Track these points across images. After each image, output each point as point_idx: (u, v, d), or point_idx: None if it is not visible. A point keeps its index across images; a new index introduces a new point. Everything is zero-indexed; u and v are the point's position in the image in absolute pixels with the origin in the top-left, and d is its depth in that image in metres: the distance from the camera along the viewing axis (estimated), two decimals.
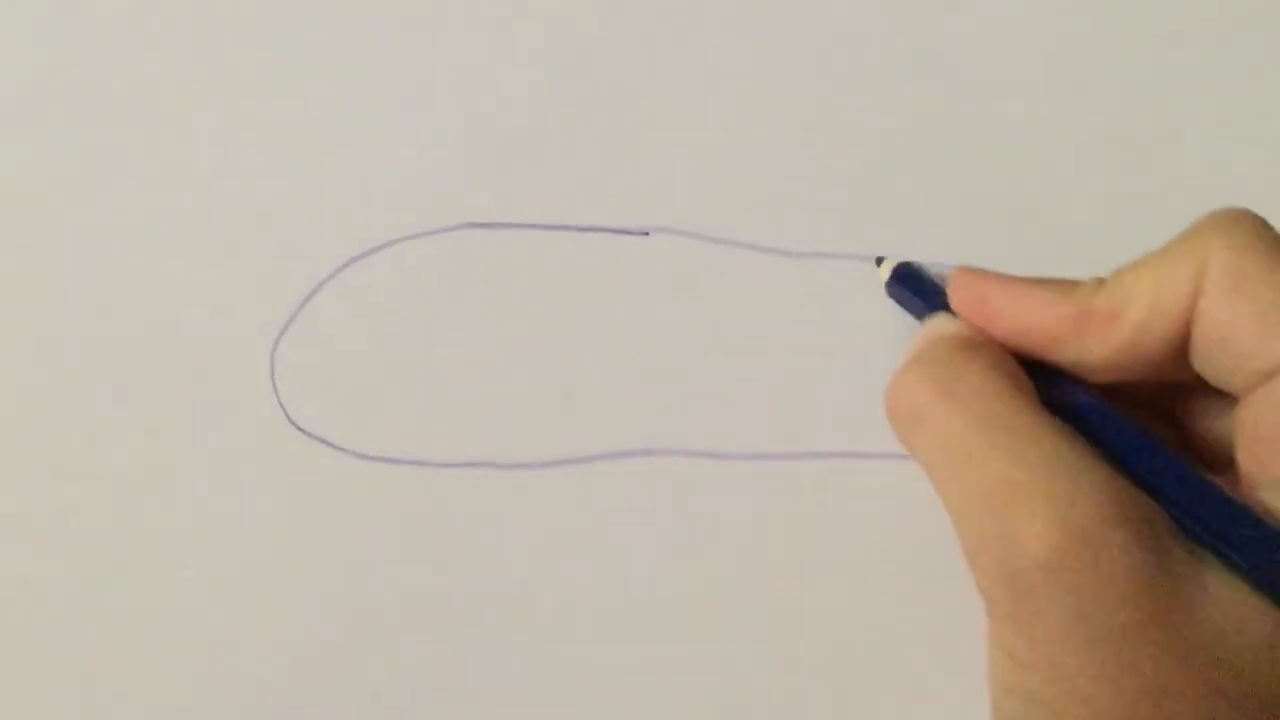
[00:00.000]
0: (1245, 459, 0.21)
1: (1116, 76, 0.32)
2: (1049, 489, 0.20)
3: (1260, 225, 0.21)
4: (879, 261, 0.29)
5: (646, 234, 0.31)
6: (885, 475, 0.29)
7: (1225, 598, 0.19)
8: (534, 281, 0.30)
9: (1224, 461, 0.23)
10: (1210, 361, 0.21)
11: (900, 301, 0.28)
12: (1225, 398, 0.22)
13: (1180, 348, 0.22)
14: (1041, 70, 0.32)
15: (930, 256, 0.30)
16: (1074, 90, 0.32)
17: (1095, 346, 0.22)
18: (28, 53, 0.32)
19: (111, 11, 0.32)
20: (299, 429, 0.30)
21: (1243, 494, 0.21)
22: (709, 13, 0.32)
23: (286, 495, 0.29)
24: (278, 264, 0.30)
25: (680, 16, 0.32)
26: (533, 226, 0.31)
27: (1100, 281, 0.23)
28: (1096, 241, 0.31)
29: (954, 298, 0.24)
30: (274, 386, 0.30)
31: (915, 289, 0.27)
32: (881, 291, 0.28)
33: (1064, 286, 0.23)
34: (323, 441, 0.30)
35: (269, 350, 0.30)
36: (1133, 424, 0.22)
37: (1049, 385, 0.23)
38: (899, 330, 0.29)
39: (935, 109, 0.32)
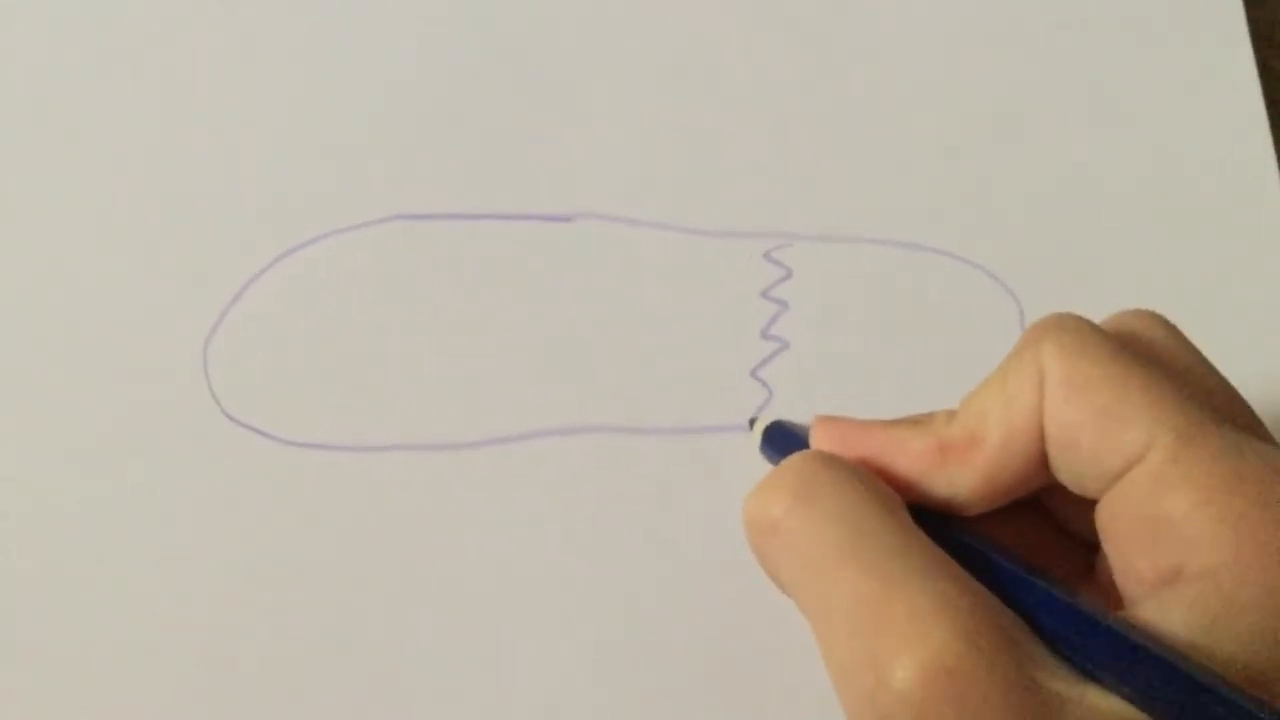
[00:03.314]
0: (1113, 561, 0.21)
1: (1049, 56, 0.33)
2: (910, 608, 0.19)
3: (1086, 326, 0.21)
4: (751, 424, 0.28)
5: (569, 220, 0.31)
6: None
7: (1103, 716, 0.19)
8: (461, 269, 0.31)
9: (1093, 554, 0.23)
10: (1064, 468, 0.21)
11: (773, 462, 0.27)
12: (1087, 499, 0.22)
13: (1040, 460, 0.22)
14: (951, 43, 0.33)
15: (846, 233, 0.31)
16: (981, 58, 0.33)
17: (961, 477, 0.22)
18: None
19: (33, 10, 0.33)
20: (233, 420, 0.30)
21: (1116, 598, 0.21)
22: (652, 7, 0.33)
23: (223, 485, 0.30)
24: (209, 260, 0.31)
25: (601, 3, 0.33)
26: (459, 216, 0.32)
27: (951, 413, 0.22)
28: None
29: (815, 444, 0.24)
30: (207, 380, 0.30)
31: (786, 445, 0.26)
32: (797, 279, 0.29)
33: (919, 422, 0.23)
34: (256, 431, 0.30)
35: (202, 345, 0.31)
36: (1006, 553, 0.21)
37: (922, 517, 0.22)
38: (817, 311, 0.30)
39: (858, 86, 0.33)
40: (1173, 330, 0.23)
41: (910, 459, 0.22)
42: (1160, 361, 0.22)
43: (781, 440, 0.26)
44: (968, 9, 0.34)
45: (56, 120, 0.32)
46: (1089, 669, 0.19)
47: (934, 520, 0.22)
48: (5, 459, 0.30)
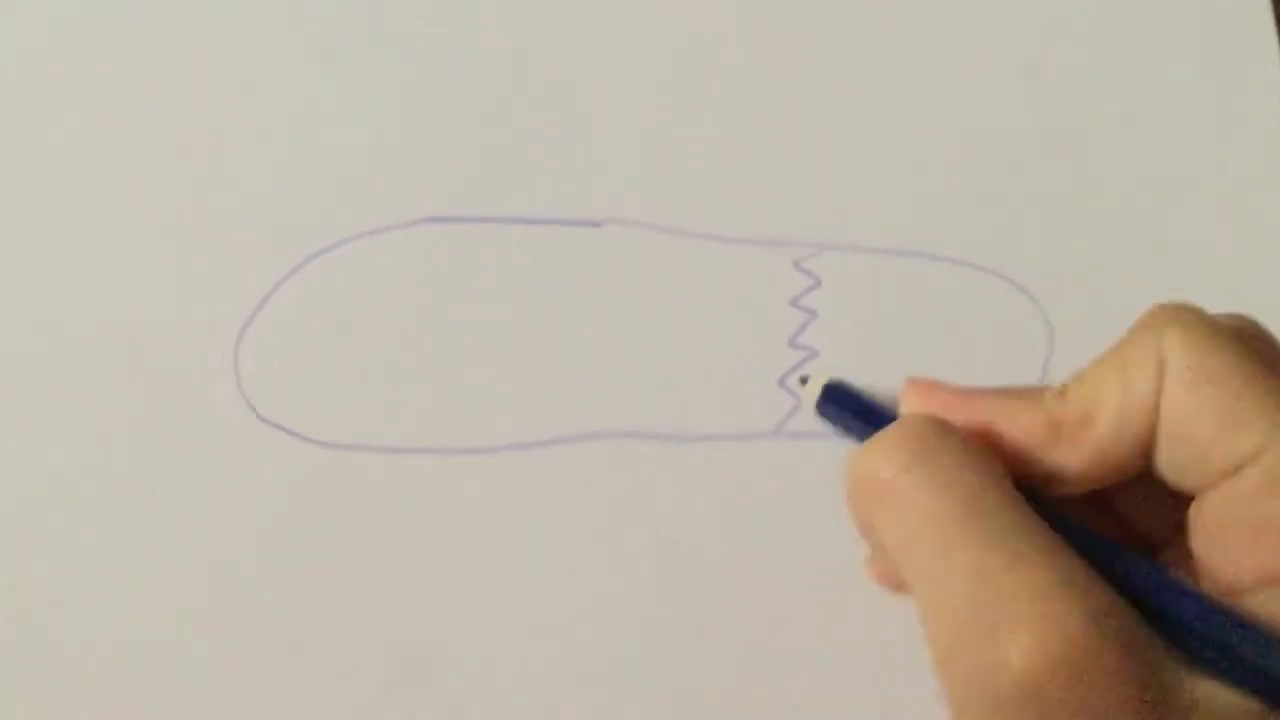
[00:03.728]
0: (1207, 557, 0.21)
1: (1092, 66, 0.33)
2: (1036, 586, 0.18)
3: (1209, 319, 0.21)
4: (804, 381, 0.27)
5: (599, 225, 0.32)
6: (836, 455, 0.30)
7: (1218, 711, 0.18)
8: (490, 273, 0.31)
9: (1156, 553, 0.23)
10: (1170, 459, 0.21)
11: (834, 422, 0.26)
12: (1164, 489, 0.22)
13: (1147, 448, 0.21)
14: (994, 51, 0.33)
15: (875, 243, 0.31)
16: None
17: (1069, 456, 0.21)
18: None
19: (71, 10, 0.33)
20: (263, 419, 0.30)
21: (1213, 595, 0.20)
22: (661, 4, 0.33)
23: (254, 485, 0.30)
24: (240, 261, 0.31)
25: (633, 8, 0.33)
26: (488, 220, 0.32)
27: (1064, 389, 0.22)
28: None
29: (909, 408, 0.23)
30: (238, 380, 0.31)
31: (853, 408, 0.25)
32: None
33: (1027, 396, 0.22)
34: (286, 430, 0.30)
35: (233, 345, 0.31)
36: (1112, 541, 0.21)
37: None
38: (846, 321, 0.30)
39: (891, 96, 0.33)
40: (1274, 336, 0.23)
41: (1019, 432, 0.22)
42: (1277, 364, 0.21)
43: (848, 402, 0.25)
44: (997, 21, 0.34)
45: (89, 121, 0.32)
46: (1206, 660, 0.19)
47: (1031, 498, 0.21)
48: (37, 458, 0.30)
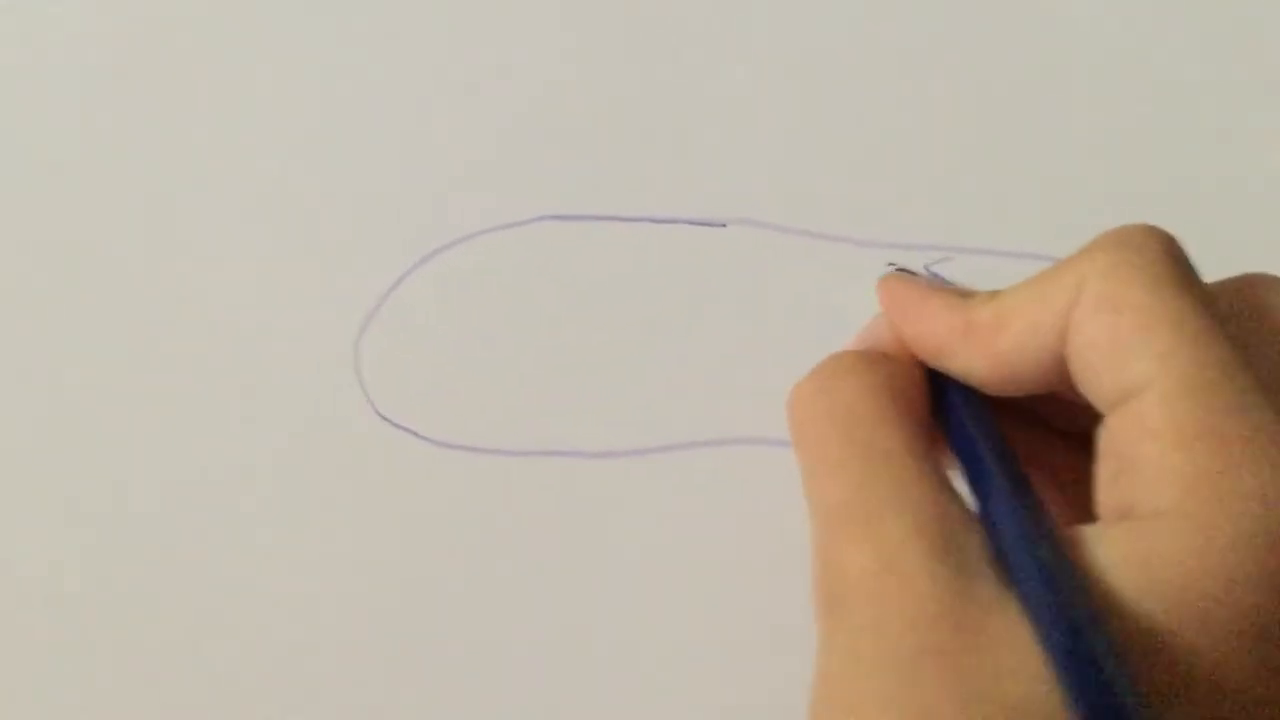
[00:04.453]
0: (1097, 485, 0.21)
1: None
2: (867, 509, 0.20)
3: (1147, 243, 0.21)
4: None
5: (724, 225, 0.31)
6: None
7: (1017, 638, 0.19)
8: (613, 272, 0.31)
9: None
10: (1080, 381, 0.21)
11: None
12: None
13: (1057, 364, 0.22)
14: (1123, 56, 0.32)
15: (1012, 246, 0.30)
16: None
17: (977, 358, 0.22)
18: (110, 45, 0.33)
19: (186, 10, 0.33)
20: (384, 418, 0.30)
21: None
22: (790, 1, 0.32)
23: (373, 483, 0.30)
24: (361, 258, 0.31)
25: (762, 4, 0.32)
26: (610, 218, 0.31)
27: (993, 295, 0.23)
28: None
29: (880, 303, 0.25)
30: (359, 377, 0.30)
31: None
32: None
33: (963, 296, 0.23)
34: (408, 430, 0.30)
35: (354, 341, 0.31)
36: (994, 445, 0.22)
37: (946, 395, 0.23)
38: None
39: (1022, 95, 0.32)
40: None
41: (938, 329, 0.23)
42: (1249, 317, 0.21)
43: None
44: (1136, 27, 0.33)
45: (211, 119, 0.32)
46: (1015, 580, 0.19)
47: (960, 392, 0.23)
48: (159, 458, 0.30)
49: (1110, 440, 0.20)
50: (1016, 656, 0.18)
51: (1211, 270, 0.23)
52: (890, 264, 0.28)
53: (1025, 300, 0.22)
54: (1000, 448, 0.22)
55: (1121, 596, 0.18)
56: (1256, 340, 0.21)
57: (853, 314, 0.30)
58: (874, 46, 0.32)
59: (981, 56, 0.32)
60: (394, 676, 0.29)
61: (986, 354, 0.22)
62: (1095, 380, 0.21)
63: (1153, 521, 0.19)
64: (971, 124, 0.32)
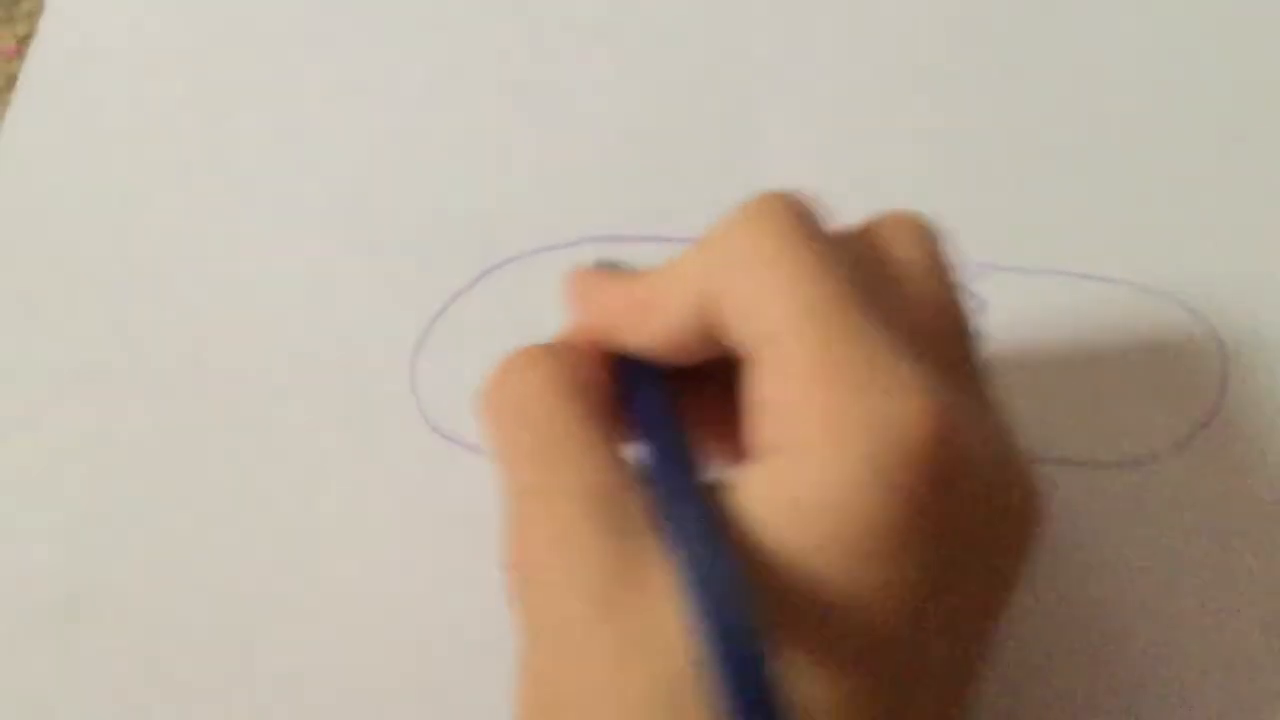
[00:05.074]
0: (747, 432, 0.22)
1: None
2: (546, 485, 0.22)
3: (775, 205, 0.22)
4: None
5: None
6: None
7: (672, 588, 0.20)
8: None
9: None
10: (729, 338, 0.22)
11: None
12: None
13: (717, 334, 0.23)
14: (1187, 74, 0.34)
15: (1040, 263, 0.32)
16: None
17: (641, 333, 0.23)
18: (166, 68, 0.34)
19: (251, 27, 0.34)
20: (439, 433, 0.31)
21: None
22: (834, 28, 0.34)
23: (428, 497, 0.30)
24: (416, 277, 0.32)
25: (808, 30, 0.34)
26: (657, 239, 0.32)
27: (653, 269, 0.24)
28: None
29: (565, 291, 0.26)
30: (414, 392, 0.31)
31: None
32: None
33: (631, 275, 0.24)
34: (461, 444, 0.31)
35: (409, 358, 0.31)
36: (658, 415, 0.23)
37: (631, 378, 0.24)
38: (1013, 343, 0.30)
39: (1057, 111, 0.33)
40: (923, 237, 0.23)
41: (608, 309, 0.24)
42: (875, 260, 0.22)
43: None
44: (1178, 47, 0.35)
45: (272, 142, 0.33)
46: (664, 534, 0.20)
47: (633, 367, 0.24)
48: (216, 473, 0.30)
49: (752, 387, 0.21)
50: (672, 604, 0.20)
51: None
52: (598, 259, 0.28)
53: (674, 273, 0.23)
54: (662, 416, 0.23)
55: (760, 535, 0.20)
56: (879, 279, 0.22)
57: None
58: (909, 69, 0.34)
59: (1013, 73, 0.34)
60: (446, 684, 0.29)
61: (648, 329, 0.23)
62: (739, 334, 0.22)
63: (787, 455, 0.20)
64: (1002, 141, 0.33)
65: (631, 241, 0.32)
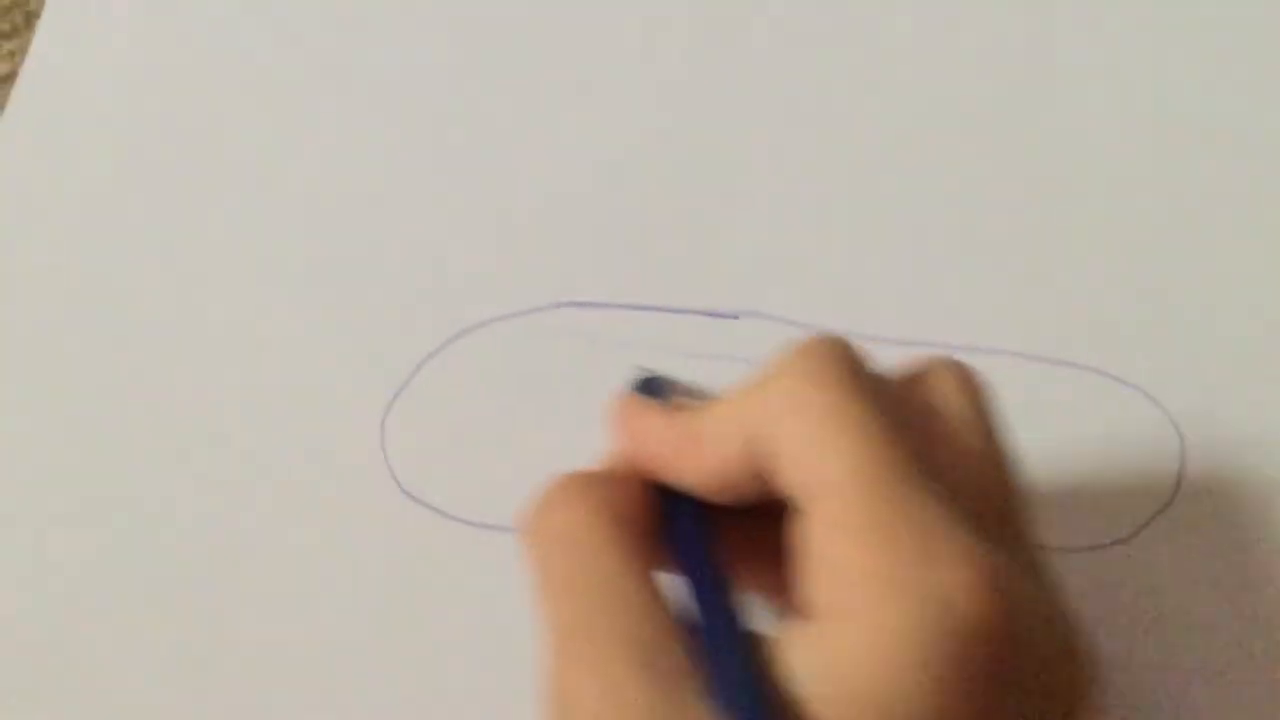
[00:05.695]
0: (796, 585, 0.22)
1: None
2: (591, 638, 0.21)
3: (826, 352, 0.22)
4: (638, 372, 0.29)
5: (736, 317, 0.32)
6: None
7: None
8: (627, 359, 0.32)
9: None
10: (778, 485, 0.22)
11: None
12: None
13: (766, 475, 0.22)
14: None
15: (1005, 345, 0.32)
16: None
17: (688, 471, 0.23)
18: (138, 124, 0.34)
19: (223, 87, 0.34)
20: (408, 495, 0.31)
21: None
22: (805, 98, 0.34)
23: (396, 559, 0.31)
24: (386, 340, 0.32)
25: (776, 101, 0.34)
26: (625, 306, 0.33)
27: (698, 408, 0.24)
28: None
29: (609, 422, 0.26)
30: (384, 455, 0.32)
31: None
32: None
33: (681, 410, 0.24)
34: (430, 508, 0.31)
35: (379, 420, 0.32)
36: (703, 557, 0.23)
37: (669, 510, 0.24)
38: None
39: (1025, 197, 0.34)
40: (970, 388, 0.23)
41: (652, 446, 0.24)
42: (924, 411, 0.22)
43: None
44: (1158, 131, 0.35)
45: (241, 210, 0.34)
46: (713, 696, 0.20)
47: (680, 503, 0.23)
48: (183, 534, 0.31)
49: (802, 539, 0.21)
50: None
51: None
52: (638, 367, 0.29)
53: (722, 413, 0.23)
54: (707, 558, 0.23)
55: (807, 700, 0.19)
56: (928, 433, 0.22)
57: None
58: (878, 145, 0.34)
59: (984, 156, 0.34)
60: None
61: (695, 468, 0.23)
62: (789, 483, 0.21)
63: (836, 621, 0.20)
64: (972, 224, 0.33)
65: (601, 308, 0.33)
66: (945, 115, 0.34)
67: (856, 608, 0.20)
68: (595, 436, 0.32)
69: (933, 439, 0.22)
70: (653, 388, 0.27)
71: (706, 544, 0.23)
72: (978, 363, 0.32)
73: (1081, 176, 0.34)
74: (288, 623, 0.30)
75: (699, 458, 0.23)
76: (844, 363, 0.22)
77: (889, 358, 0.32)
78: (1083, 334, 0.33)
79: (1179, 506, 0.31)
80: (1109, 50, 0.36)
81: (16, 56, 0.37)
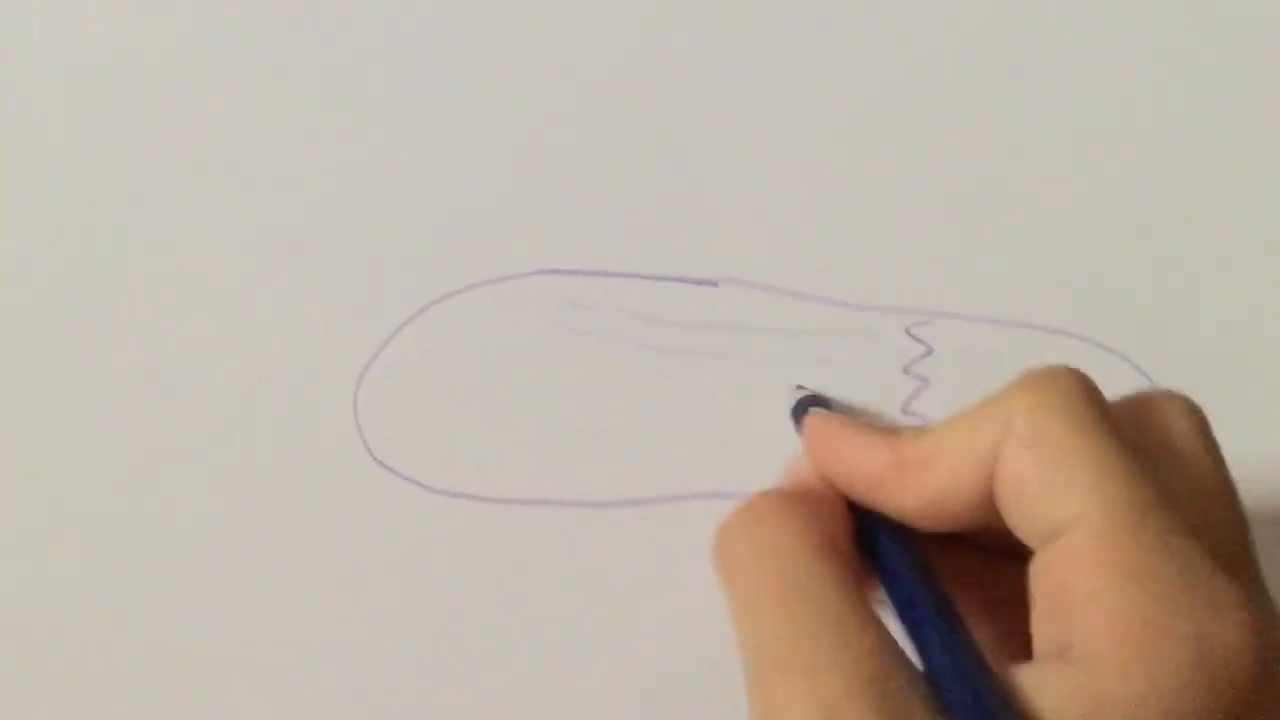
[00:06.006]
0: (1034, 620, 0.21)
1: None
2: (807, 659, 0.20)
3: (1069, 384, 0.22)
4: (798, 392, 0.29)
5: (716, 285, 0.32)
6: None
7: None
8: (607, 327, 0.32)
9: None
10: (1011, 518, 0.22)
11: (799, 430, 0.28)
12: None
13: (987, 500, 0.22)
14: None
15: (988, 312, 0.31)
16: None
17: (909, 496, 0.23)
18: (116, 92, 0.33)
19: (196, 61, 0.34)
20: (379, 463, 0.31)
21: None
22: (788, 64, 0.34)
23: (367, 527, 0.31)
24: (360, 308, 0.32)
25: (758, 68, 0.33)
26: (603, 274, 0.32)
27: (919, 430, 0.23)
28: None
29: (804, 442, 0.25)
30: (357, 423, 0.31)
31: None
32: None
33: (893, 433, 0.24)
34: (403, 476, 0.31)
35: (352, 389, 0.31)
36: (928, 586, 0.22)
37: (876, 534, 0.23)
38: (959, 389, 0.30)
39: (1014, 167, 0.33)
40: (1198, 422, 0.23)
41: (869, 467, 0.23)
42: (1156, 445, 0.22)
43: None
44: (1135, 96, 0.34)
45: (212, 176, 0.33)
46: None
47: (883, 527, 0.23)
48: (157, 503, 0.30)
49: (1043, 576, 0.21)
50: None
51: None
52: (797, 386, 0.29)
53: (954, 438, 0.22)
54: (932, 587, 0.22)
55: None
56: (1164, 468, 0.22)
57: (835, 372, 0.32)
58: (859, 113, 0.34)
59: (964, 124, 0.34)
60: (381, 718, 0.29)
61: (917, 492, 0.23)
62: (1024, 516, 0.21)
63: (1092, 663, 0.19)
64: (954, 188, 0.33)
65: (579, 275, 0.32)
66: (931, 79, 0.34)
67: (1123, 651, 0.19)
68: (573, 403, 0.31)
69: (1170, 475, 0.22)
70: (820, 406, 0.27)
71: (918, 571, 0.23)
72: (961, 330, 0.32)
73: (1073, 142, 0.34)
74: (259, 591, 0.30)
75: (921, 483, 0.23)
76: (1087, 396, 0.22)
77: (875, 326, 0.32)
78: (1069, 302, 0.32)
79: None
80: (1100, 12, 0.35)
81: None
